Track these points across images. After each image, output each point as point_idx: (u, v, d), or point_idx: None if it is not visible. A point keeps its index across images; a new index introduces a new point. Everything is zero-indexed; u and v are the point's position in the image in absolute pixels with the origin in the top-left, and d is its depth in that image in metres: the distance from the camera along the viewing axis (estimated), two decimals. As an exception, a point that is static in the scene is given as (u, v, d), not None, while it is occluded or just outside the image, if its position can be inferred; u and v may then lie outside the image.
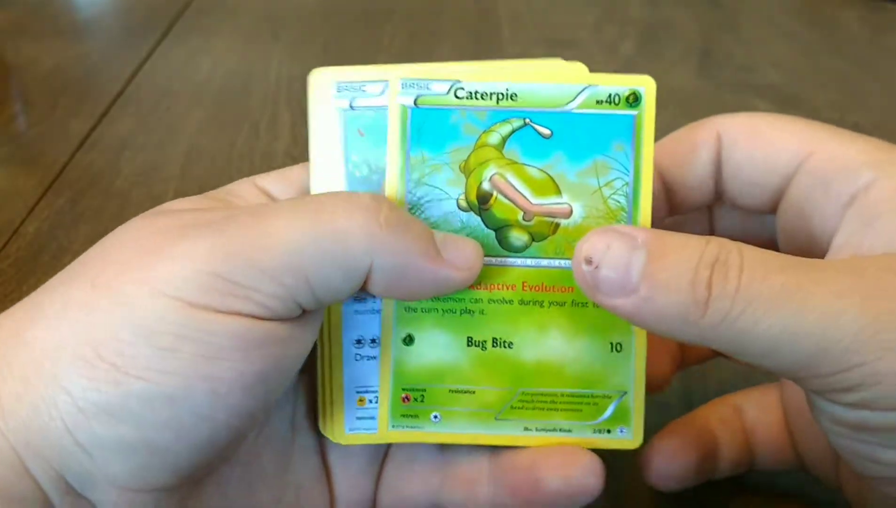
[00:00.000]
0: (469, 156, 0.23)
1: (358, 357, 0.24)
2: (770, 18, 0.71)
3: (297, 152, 0.49)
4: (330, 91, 0.24)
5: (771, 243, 0.26)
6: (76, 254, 0.22)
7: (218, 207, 0.23)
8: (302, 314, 0.21)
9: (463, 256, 0.22)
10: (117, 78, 0.58)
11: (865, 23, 0.69)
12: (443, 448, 0.25)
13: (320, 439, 0.25)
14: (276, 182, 0.25)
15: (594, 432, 0.24)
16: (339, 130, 0.24)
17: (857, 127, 0.27)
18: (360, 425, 0.24)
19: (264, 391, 0.21)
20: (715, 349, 0.20)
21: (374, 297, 0.24)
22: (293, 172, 0.25)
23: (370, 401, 0.24)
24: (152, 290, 0.20)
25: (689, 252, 0.20)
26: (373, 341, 0.24)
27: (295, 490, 0.24)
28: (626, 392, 0.24)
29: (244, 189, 0.25)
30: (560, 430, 0.24)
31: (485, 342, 0.24)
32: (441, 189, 0.23)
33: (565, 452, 0.24)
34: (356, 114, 0.24)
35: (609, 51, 0.63)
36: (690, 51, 0.64)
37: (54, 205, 0.45)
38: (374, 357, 0.24)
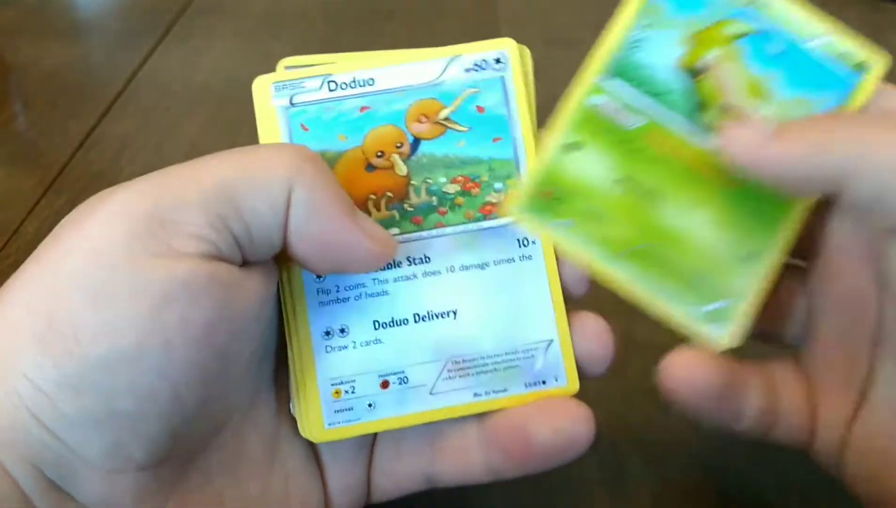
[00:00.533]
0: (705, 29, 0.24)
1: (329, 349, 0.24)
2: (770, 18, 0.71)
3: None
4: (269, 92, 0.25)
5: None
6: (76, 254, 0.22)
7: None
8: (247, 264, 0.22)
9: (378, 230, 0.23)
10: (117, 78, 0.58)
11: (865, 23, 0.69)
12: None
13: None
14: None
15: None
16: (284, 127, 0.25)
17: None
18: (340, 418, 0.24)
19: (220, 345, 0.21)
20: (825, 191, 0.22)
21: (336, 287, 0.24)
22: None
23: (346, 392, 0.24)
24: (89, 249, 0.20)
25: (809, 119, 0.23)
26: (342, 330, 0.24)
27: (283, 479, 0.24)
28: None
29: None
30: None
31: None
32: (665, 43, 0.25)
33: (554, 405, 0.24)
34: (297, 110, 0.25)
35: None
36: (690, 51, 0.64)
37: (54, 205, 0.45)
38: (345, 347, 0.24)
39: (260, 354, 0.24)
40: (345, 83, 0.25)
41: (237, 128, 0.52)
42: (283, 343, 0.25)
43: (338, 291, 0.24)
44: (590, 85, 0.24)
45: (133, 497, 0.21)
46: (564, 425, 0.23)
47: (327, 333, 0.24)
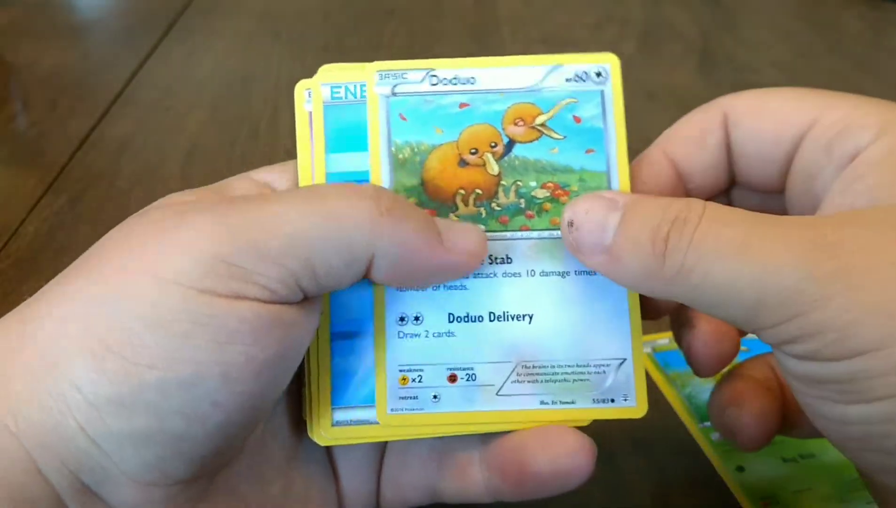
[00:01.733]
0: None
1: (401, 335, 0.24)
2: (770, 18, 0.71)
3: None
4: (374, 80, 0.25)
5: None
6: (76, 254, 0.22)
7: (217, 197, 0.23)
8: (305, 299, 0.22)
9: (466, 241, 0.23)
10: (117, 78, 0.58)
11: (865, 23, 0.69)
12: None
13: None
14: (271, 174, 0.25)
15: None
16: (383, 115, 0.25)
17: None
18: (404, 405, 0.24)
19: (274, 377, 0.21)
20: (678, 301, 0.21)
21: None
22: (288, 165, 0.25)
23: (413, 380, 0.24)
24: (157, 278, 0.20)
25: (655, 210, 0.21)
26: (416, 318, 0.24)
27: (304, 482, 0.25)
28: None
29: (240, 184, 0.25)
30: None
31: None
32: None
33: (552, 432, 0.23)
34: (398, 99, 0.25)
35: (609, 51, 0.63)
36: (690, 51, 0.64)
37: (54, 205, 0.45)
38: (417, 335, 0.24)
39: None
40: (446, 79, 0.25)
41: (237, 127, 0.52)
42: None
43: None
44: None
45: (166, 504, 0.21)
46: (562, 456, 0.23)
47: (402, 319, 0.24)
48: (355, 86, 0.25)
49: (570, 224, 0.22)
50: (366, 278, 0.22)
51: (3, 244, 0.42)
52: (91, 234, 0.42)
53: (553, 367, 0.24)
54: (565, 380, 0.24)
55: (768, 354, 0.27)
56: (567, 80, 0.25)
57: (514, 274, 0.24)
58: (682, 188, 0.26)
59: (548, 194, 0.25)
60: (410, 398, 0.24)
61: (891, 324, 0.18)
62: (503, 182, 0.25)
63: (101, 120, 0.54)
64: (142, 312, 0.20)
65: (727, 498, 0.30)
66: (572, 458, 0.23)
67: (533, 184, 0.25)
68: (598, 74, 0.25)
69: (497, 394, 0.24)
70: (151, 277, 0.20)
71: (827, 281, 0.18)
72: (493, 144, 0.25)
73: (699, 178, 0.26)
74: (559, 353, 0.24)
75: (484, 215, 0.24)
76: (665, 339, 0.37)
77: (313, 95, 0.25)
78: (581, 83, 0.25)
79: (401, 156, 0.24)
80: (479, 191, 0.25)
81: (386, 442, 0.26)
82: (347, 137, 0.25)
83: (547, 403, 0.24)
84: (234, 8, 0.70)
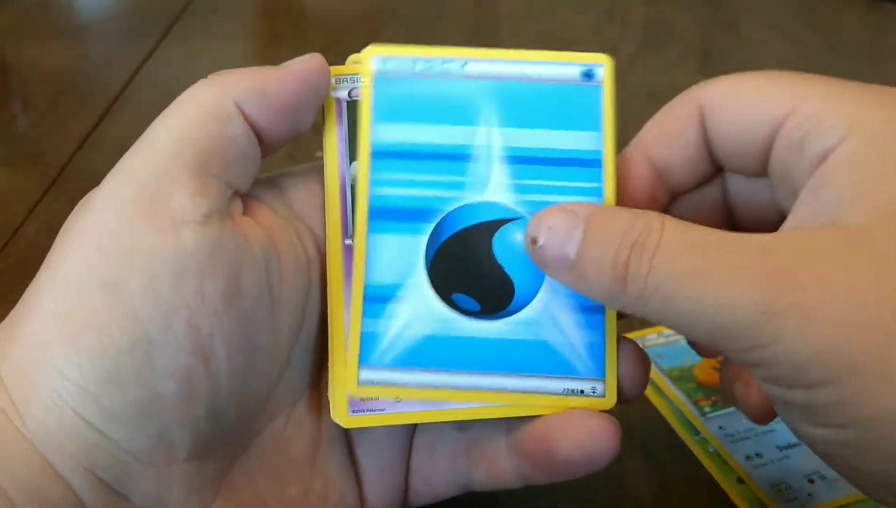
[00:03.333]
0: None
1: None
2: (770, 18, 0.71)
3: (297, 153, 0.49)
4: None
5: (777, 204, 0.25)
6: (76, 254, 0.22)
7: None
8: (249, 216, 0.22)
9: (301, 60, 0.24)
10: (117, 78, 0.58)
11: (865, 23, 0.69)
12: (462, 427, 0.25)
13: (348, 431, 0.25)
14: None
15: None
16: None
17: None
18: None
19: (237, 312, 0.21)
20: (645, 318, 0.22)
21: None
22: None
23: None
24: (96, 242, 0.20)
25: (614, 232, 0.21)
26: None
27: (323, 482, 0.24)
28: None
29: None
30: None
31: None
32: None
33: (575, 417, 0.23)
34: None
35: (609, 51, 0.63)
36: (690, 51, 0.64)
37: (54, 206, 0.45)
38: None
39: (300, 349, 0.24)
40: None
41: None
42: (322, 349, 0.25)
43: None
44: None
45: (183, 490, 0.21)
46: (586, 440, 0.23)
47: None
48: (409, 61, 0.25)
49: (534, 241, 0.22)
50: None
51: (3, 245, 0.42)
52: (91, 234, 0.42)
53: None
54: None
55: None
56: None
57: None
58: (661, 185, 0.26)
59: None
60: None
61: (838, 360, 0.18)
62: None
63: (101, 120, 0.54)
64: (94, 279, 0.20)
65: (729, 498, 0.30)
66: (596, 442, 0.23)
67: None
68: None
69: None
70: (89, 243, 0.20)
71: (781, 318, 0.19)
72: None
73: (679, 174, 0.25)
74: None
75: None
76: (654, 334, 0.37)
77: (363, 65, 0.25)
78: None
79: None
80: None
81: (411, 440, 0.26)
82: (395, 108, 0.25)
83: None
84: (234, 8, 0.70)
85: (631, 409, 0.32)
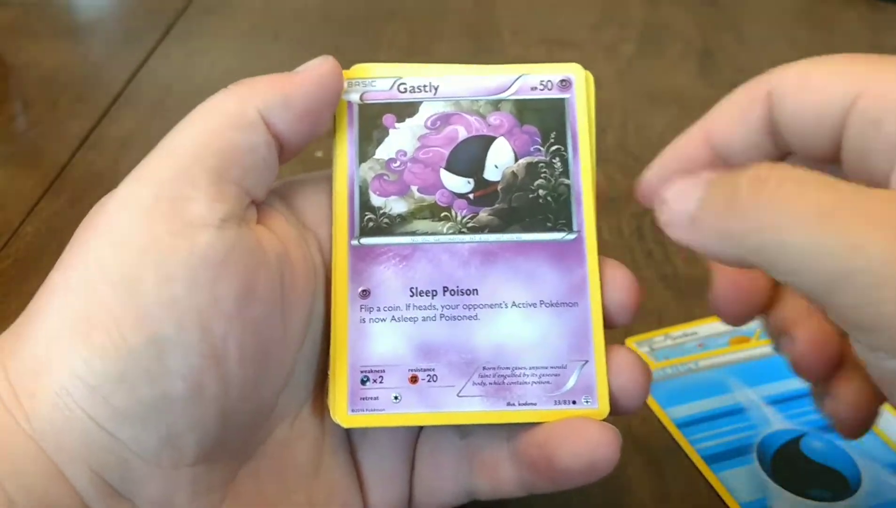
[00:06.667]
0: None
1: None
2: (770, 19, 0.71)
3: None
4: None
5: None
6: (76, 254, 0.22)
7: None
8: (263, 224, 0.23)
9: (314, 66, 0.24)
10: (117, 78, 0.58)
11: (865, 23, 0.69)
12: (463, 434, 0.25)
13: (351, 439, 0.25)
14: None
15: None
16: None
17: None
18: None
19: (250, 317, 0.21)
20: (754, 266, 0.20)
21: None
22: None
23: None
24: (112, 242, 0.20)
25: (735, 174, 0.20)
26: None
27: (327, 490, 0.24)
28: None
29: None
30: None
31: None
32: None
33: (574, 426, 0.23)
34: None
35: (609, 51, 0.63)
36: (690, 51, 0.64)
37: (54, 205, 0.45)
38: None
39: (305, 355, 0.24)
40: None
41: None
42: (324, 357, 0.25)
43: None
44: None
45: (188, 494, 0.21)
46: (584, 450, 0.23)
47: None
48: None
49: (663, 202, 0.21)
50: None
51: (3, 244, 0.42)
52: (91, 234, 0.42)
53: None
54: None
55: None
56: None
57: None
58: (720, 167, 0.24)
59: None
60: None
61: None
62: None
63: (101, 120, 0.54)
64: (109, 277, 0.20)
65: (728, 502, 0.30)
66: (595, 451, 0.23)
67: None
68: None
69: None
70: (106, 242, 0.20)
71: None
72: None
73: (739, 159, 0.25)
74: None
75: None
76: (661, 336, 0.37)
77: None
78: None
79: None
80: None
81: (414, 448, 0.26)
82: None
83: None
84: (234, 8, 0.70)
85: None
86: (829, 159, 0.24)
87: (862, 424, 0.24)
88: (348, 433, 0.25)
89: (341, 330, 0.24)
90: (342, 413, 0.24)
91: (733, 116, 0.24)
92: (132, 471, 0.20)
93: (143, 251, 0.20)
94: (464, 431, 0.25)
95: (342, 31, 0.66)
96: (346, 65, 0.26)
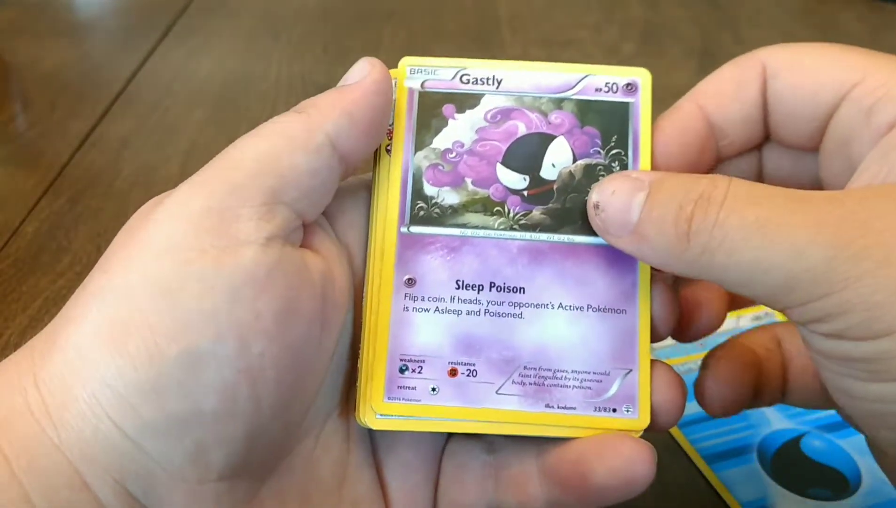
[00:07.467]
0: None
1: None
2: (770, 19, 0.71)
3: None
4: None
5: (817, 185, 0.25)
6: (76, 254, 0.22)
7: None
8: (308, 244, 0.22)
9: (362, 64, 0.23)
10: (117, 78, 0.58)
11: (865, 23, 0.69)
12: (491, 449, 0.25)
13: (375, 453, 0.25)
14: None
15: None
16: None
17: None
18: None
19: (288, 338, 0.21)
20: (703, 279, 0.21)
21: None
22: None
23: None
24: (157, 250, 0.20)
25: (679, 189, 0.21)
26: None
27: (351, 505, 0.24)
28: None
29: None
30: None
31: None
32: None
33: (609, 441, 0.23)
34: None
35: (609, 51, 0.63)
36: (690, 51, 0.64)
37: (54, 205, 0.45)
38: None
39: (332, 371, 0.24)
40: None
41: (236, 127, 0.52)
42: (353, 369, 0.24)
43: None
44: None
45: None
46: (620, 465, 0.22)
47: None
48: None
49: (597, 206, 0.22)
50: None
51: (3, 244, 0.42)
52: (90, 234, 0.43)
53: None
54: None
55: (775, 325, 0.27)
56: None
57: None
58: (713, 144, 0.25)
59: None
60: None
61: None
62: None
63: (101, 120, 0.54)
64: (150, 286, 0.20)
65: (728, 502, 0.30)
66: (632, 467, 0.22)
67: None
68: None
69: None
70: (150, 250, 0.20)
71: (856, 260, 0.18)
72: None
73: (732, 132, 0.25)
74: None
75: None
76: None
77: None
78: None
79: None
80: None
81: (440, 464, 0.25)
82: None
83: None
84: (234, 8, 0.70)
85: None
86: (807, 148, 0.24)
87: (733, 404, 0.25)
88: (373, 448, 0.25)
89: (384, 317, 0.24)
90: (378, 401, 0.23)
91: (729, 91, 0.24)
92: (156, 484, 0.20)
93: (186, 262, 0.20)
94: (491, 446, 0.25)
95: (342, 31, 0.66)
96: (346, 65, 0.25)
